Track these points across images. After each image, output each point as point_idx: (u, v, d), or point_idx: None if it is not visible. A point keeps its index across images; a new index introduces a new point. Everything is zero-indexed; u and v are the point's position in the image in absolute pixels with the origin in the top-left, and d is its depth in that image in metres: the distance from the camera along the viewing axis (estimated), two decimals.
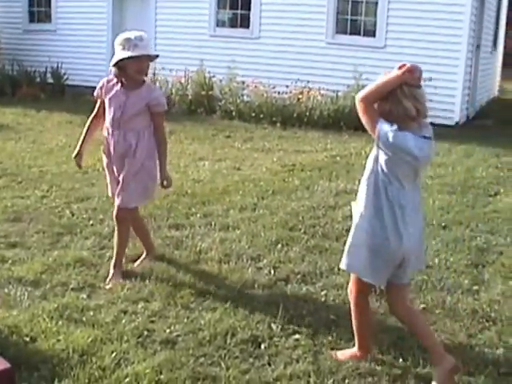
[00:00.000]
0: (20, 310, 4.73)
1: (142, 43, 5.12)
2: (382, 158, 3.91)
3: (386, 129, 3.82)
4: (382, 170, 3.92)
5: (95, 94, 5.46)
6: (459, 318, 4.91)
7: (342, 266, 4.23)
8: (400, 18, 14.05)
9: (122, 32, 5.50)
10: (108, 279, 5.34)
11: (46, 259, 5.70)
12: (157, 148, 5.38)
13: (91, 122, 5.62)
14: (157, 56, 5.39)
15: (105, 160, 5.58)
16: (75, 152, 5.71)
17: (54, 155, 9.95)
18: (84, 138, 5.65)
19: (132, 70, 5.14)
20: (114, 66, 5.18)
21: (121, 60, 5.11)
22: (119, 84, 5.30)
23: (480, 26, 15.25)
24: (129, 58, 5.08)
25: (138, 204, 5.60)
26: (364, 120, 3.93)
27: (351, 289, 4.25)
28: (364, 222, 4.00)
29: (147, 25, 17.00)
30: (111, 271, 5.42)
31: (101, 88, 5.39)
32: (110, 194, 5.68)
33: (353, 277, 4.24)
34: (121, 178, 5.37)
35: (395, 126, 3.83)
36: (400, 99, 3.86)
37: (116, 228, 5.54)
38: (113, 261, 5.50)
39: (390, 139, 3.80)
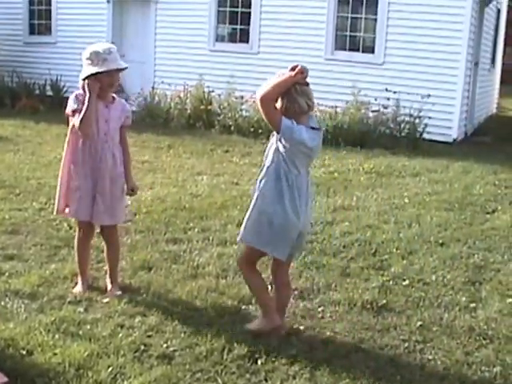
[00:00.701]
0: (17, 322, 4.72)
1: (111, 56, 5.05)
2: (282, 149, 4.44)
3: (289, 125, 4.36)
4: (283, 160, 4.45)
5: (73, 107, 5.10)
6: (456, 335, 4.90)
7: (240, 239, 4.77)
8: (399, 34, 14.10)
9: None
10: (108, 293, 5.33)
11: (43, 272, 5.69)
12: (124, 158, 5.42)
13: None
14: (125, 68, 5.20)
15: (80, 178, 5.22)
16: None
17: (53, 167, 9.92)
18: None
19: (103, 84, 5.08)
20: (84, 80, 5.07)
21: (93, 74, 5.02)
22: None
23: (478, 43, 15.32)
24: (99, 72, 5.02)
25: (126, 217, 5.69)
26: (267, 117, 4.42)
27: (242, 264, 4.84)
28: (268, 206, 4.50)
29: (147, 39, 17.08)
30: (109, 286, 5.42)
31: (80, 102, 5.07)
32: (74, 216, 5.47)
33: (246, 252, 4.81)
34: (110, 194, 5.27)
35: (294, 122, 4.38)
36: (295, 97, 4.41)
37: (109, 245, 5.53)
38: (108, 275, 5.49)
39: (292, 134, 4.36)
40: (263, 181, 4.56)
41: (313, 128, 4.52)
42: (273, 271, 4.94)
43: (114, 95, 5.36)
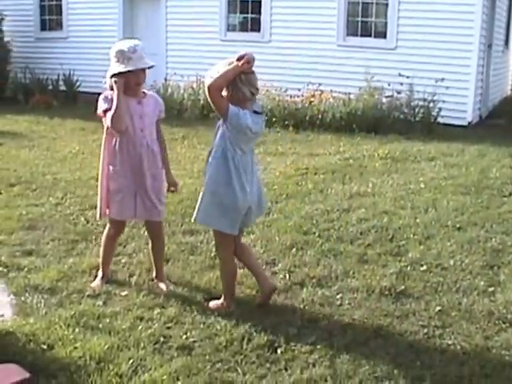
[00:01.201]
0: (37, 317, 4.75)
1: (136, 55, 4.99)
2: (228, 133, 4.74)
3: (235, 112, 4.66)
4: (230, 143, 4.74)
5: (104, 108, 5.04)
6: (475, 319, 4.89)
7: (194, 219, 4.99)
8: (410, 18, 14.02)
9: (132, 37, 5.48)
10: (166, 290, 5.31)
11: (61, 267, 5.72)
12: (161, 152, 5.37)
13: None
14: (152, 66, 5.13)
15: (120, 178, 5.16)
16: None
17: (68, 162, 10.00)
18: None
19: (130, 83, 5.03)
20: (111, 77, 5.05)
21: (118, 73, 5.00)
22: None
23: (491, 25, 15.20)
24: (124, 72, 4.99)
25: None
26: (214, 105, 4.69)
27: (222, 251, 5.06)
28: (219, 187, 4.80)
29: (158, 31, 17.07)
30: (162, 285, 5.38)
31: (109, 101, 5.00)
32: (117, 217, 5.31)
33: (216, 238, 5.12)
34: (152, 191, 5.21)
35: (240, 109, 4.68)
36: (239, 86, 4.69)
37: (157, 240, 5.49)
38: (156, 271, 5.49)
39: (238, 120, 4.66)
40: (213, 164, 4.84)
41: (256, 112, 4.86)
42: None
43: (145, 90, 5.31)
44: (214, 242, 6.25)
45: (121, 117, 4.96)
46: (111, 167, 5.16)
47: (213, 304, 5.03)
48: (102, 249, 5.50)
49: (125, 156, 5.12)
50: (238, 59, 4.67)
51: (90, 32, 17.95)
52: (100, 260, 5.51)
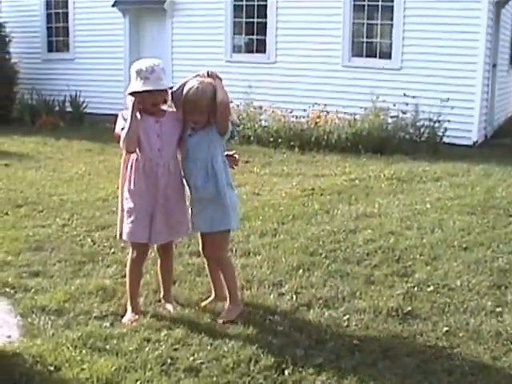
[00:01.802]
0: (44, 338, 4.74)
1: (153, 75, 4.93)
2: (221, 142, 5.22)
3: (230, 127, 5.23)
4: (223, 150, 5.28)
5: (122, 127, 5.02)
6: (483, 340, 4.87)
7: (237, 228, 5.59)
8: (415, 39, 14.10)
9: (138, 59, 5.49)
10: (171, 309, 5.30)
11: (68, 288, 5.72)
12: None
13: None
14: (171, 87, 5.10)
15: (135, 198, 5.07)
16: None
17: (74, 183, 10.02)
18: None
19: (146, 103, 4.99)
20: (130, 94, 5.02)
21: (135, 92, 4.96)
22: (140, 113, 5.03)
23: (496, 44, 15.26)
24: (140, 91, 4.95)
25: (188, 231, 5.45)
26: (226, 120, 5.14)
27: (222, 254, 5.32)
28: (232, 192, 5.28)
29: (164, 51, 17.17)
30: (169, 306, 5.34)
31: (126, 120, 4.96)
32: (129, 239, 5.18)
33: (220, 241, 5.26)
34: (165, 213, 5.08)
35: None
36: None
37: (166, 260, 5.45)
38: (164, 293, 5.46)
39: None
40: (218, 171, 5.09)
41: None
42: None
43: (165, 108, 5.19)
44: None
45: (131, 138, 4.93)
46: (126, 187, 5.11)
47: (224, 316, 5.11)
48: (127, 276, 5.32)
49: (141, 176, 5.05)
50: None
51: (96, 53, 18.10)
52: (127, 289, 5.32)
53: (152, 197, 5.05)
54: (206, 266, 5.54)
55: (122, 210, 5.18)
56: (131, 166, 5.10)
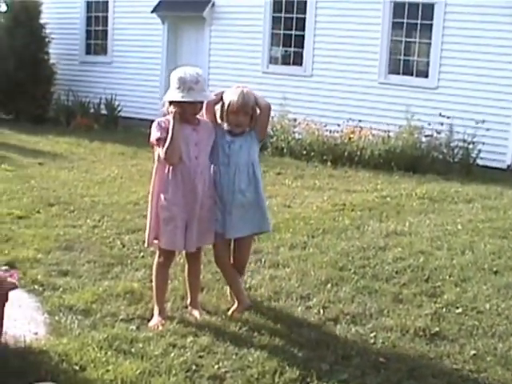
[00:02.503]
0: (70, 338, 4.77)
1: (198, 86, 4.93)
2: (258, 150, 5.48)
3: None
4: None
5: (157, 136, 5.00)
6: (511, 366, 4.81)
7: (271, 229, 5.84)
8: (453, 59, 14.02)
9: (176, 66, 5.52)
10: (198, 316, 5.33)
11: (96, 289, 5.74)
12: None
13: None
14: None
15: (172, 207, 5.07)
16: None
17: (106, 185, 10.08)
18: None
19: (186, 112, 5.01)
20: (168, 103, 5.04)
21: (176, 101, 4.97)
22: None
23: None
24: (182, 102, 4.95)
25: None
26: (267, 126, 5.55)
27: (223, 260, 5.47)
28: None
29: (201, 59, 17.24)
30: (196, 312, 5.37)
31: (163, 130, 4.98)
32: (168, 247, 5.18)
33: (218, 247, 5.45)
34: (199, 220, 5.12)
35: None
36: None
37: (194, 266, 5.51)
38: (191, 300, 5.49)
39: None
40: (258, 176, 5.35)
41: None
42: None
43: (199, 117, 5.22)
44: (249, 274, 6.29)
45: (175, 150, 4.94)
46: (162, 196, 5.09)
47: (236, 313, 5.36)
48: (153, 280, 5.38)
49: (179, 184, 5.05)
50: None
51: (133, 58, 18.23)
52: (154, 292, 5.37)
53: (189, 205, 5.06)
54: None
55: (151, 219, 5.19)
56: (167, 175, 5.08)
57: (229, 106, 5.20)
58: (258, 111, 5.34)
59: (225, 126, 5.32)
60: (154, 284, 5.37)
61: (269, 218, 5.53)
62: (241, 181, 5.23)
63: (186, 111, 4.99)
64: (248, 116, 5.24)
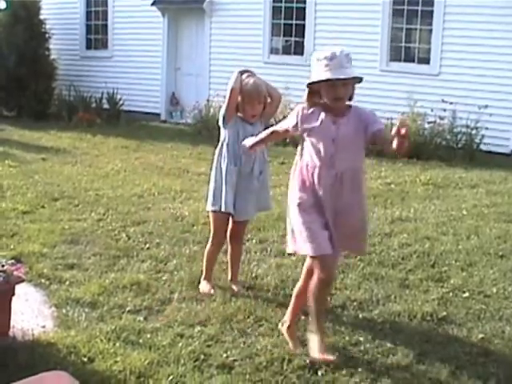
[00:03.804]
0: (78, 330, 4.78)
1: (333, 62, 4.30)
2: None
3: None
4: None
5: (295, 122, 4.47)
6: None
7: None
8: (454, 45, 13.97)
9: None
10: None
11: (102, 281, 5.75)
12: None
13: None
14: (360, 79, 4.49)
15: (311, 211, 4.42)
16: None
17: (110, 179, 10.08)
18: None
19: (326, 97, 4.35)
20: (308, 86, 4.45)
21: (313, 82, 4.36)
22: (321, 111, 4.42)
23: None
24: (319, 81, 4.33)
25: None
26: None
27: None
28: None
29: (201, 52, 17.25)
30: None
31: (297, 116, 4.46)
32: (313, 250, 4.42)
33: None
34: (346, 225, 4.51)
35: None
36: None
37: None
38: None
39: None
40: (267, 162, 5.72)
41: None
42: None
43: (351, 104, 4.48)
44: (255, 263, 6.31)
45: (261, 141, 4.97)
46: (300, 198, 4.48)
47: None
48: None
49: (315, 187, 4.42)
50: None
51: (134, 52, 18.22)
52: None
53: (331, 208, 4.46)
54: (231, 250, 5.82)
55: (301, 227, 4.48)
56: (302, 178, 4.49)
57: (244, 96, 5.28)
58: (269, 100, 5.43)
59: (239, 114, 5.44)
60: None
61: (270, 197, 5.95)
62: (258, 167, 5.47)
63: (325, 94, 4.36)
64: (261, 105, 5.36)
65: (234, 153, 5.43)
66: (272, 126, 4.93)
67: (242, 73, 5.37)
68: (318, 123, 4.38)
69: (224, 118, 5.44)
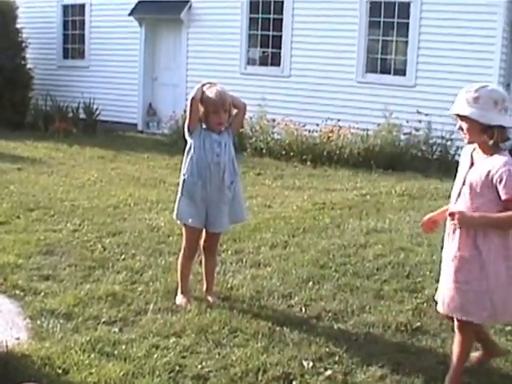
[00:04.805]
0: (52, 342, 4.75)
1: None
2: None
3: None
4: None
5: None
6: (493, 358, 4.84)
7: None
8: (430, 56, 14.12)
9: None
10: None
11: (78, 292, 5.72)
12: None
13: None
14: None
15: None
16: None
17: (86, 189, 10.05)
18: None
19: (491, 139, 4.11)
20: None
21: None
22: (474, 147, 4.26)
23: (510, 64, 15.22)
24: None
25: None
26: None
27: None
28: None
29: (178, 63, 17.27)
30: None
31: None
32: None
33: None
34: None
35: None
36: None
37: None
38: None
39: None
40: (238, 172, 5.71)
41: None
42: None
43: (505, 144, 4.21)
44: (230, 274, 6.31)
45: None
46: None
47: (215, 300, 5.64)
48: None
49: None
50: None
51: (111, 62, 18.21)
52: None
53: None
54: (206, 261, 5.85)
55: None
56: None
57: (208, 106, 5.29)
58: (235, 111, 5.49)
59: (204, 125, 5.44)
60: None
61: (245, 209, 5.97)
62: (228, 177, 5.45)
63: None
64: (227, 113, 5.38)
65: (200, 164, 5.42)
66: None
67: (203, 85, 5.40)
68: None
69: (188, 128, 5.45)
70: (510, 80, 15.45)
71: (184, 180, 5.51)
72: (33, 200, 9.08)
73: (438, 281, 6.29)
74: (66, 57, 19.59)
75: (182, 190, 5.54)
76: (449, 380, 4.33)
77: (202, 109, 5.35)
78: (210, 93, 5.30)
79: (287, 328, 5.16)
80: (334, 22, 15.12)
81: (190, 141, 5.49)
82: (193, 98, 5.33)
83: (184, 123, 5.57)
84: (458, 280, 4.16)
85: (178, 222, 5.75)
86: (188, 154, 5.49)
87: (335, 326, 5.28)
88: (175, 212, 5.64)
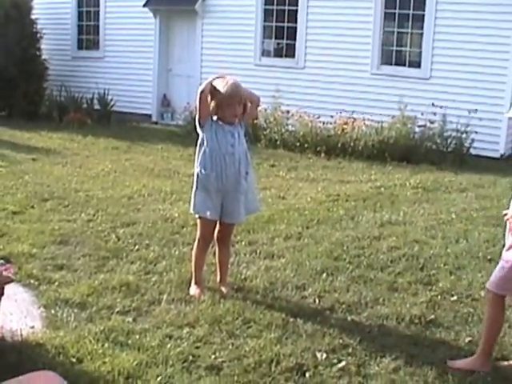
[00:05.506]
0: (67, 331, 4.78)
1: None
2: None
3: None
4: None
5: None
6: (506, 352, 4.83)
7: None
8: (445, 49, 14.03)
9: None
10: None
11: (92, 282, 5.75)
12: None
13: None
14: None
15: None
16: None
17: (100, 180, 10.07)
18: None
19: None
20: None
21: None
22: None
23: None
24: None
25: None
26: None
27: None
28: None
29: (193, 53, 17.25)
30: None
31: None
32: None
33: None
34: None
35: None
36: None
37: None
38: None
39: None
40: (251, 163, 5.71)
41: None
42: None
43: None
44: (244, 265, 6.30)
45: None
46: None
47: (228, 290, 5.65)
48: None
49: None
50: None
51: (126, 53, 18.19)
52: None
53: None
54: (220, 252, 5.85)
55: None
56: None
57: (223, 99, 5.30)
58: (250, 104, 5.50)
59: (214, 117, 5.45)
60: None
61: (258, 199, 6.07)
62: (244, 168, 5.48)
63: None
64: (241, 105, 5.40)
65: (215, 156, 5.42)
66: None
67: (213, 78, 5.42)
68: None
69: (199, 121, 5.47)
70: None
71: (198, 173, 5.51)
72: (47, 190, 9.11)
73: (452, 273, 6.35)
74: (80, 47, 19.60)
75: (196, 183, 5.54)
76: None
77: (213, 102, 5.35)
78: (224, 86, 5.29)
79: (301, 319, 5.16)
80: (348, 13, 15.06)
81: (201, 134, 5.49)
82: (202, 92, 5.35)
83: (195, 116, 5.58)
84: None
85: (196, 215, 5.73)
86: (201, 147, 5.49)
87: (349, 318, 5.27)
88: (192, 206, 5.62)
